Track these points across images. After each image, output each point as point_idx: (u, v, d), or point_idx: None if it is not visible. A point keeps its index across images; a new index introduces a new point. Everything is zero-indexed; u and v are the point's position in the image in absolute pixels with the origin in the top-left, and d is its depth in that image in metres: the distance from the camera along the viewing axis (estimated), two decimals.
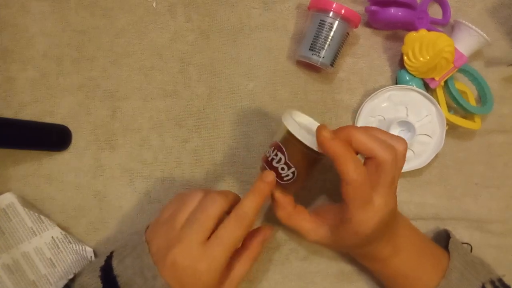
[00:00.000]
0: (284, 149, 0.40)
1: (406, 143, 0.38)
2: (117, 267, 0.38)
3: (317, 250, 0.49)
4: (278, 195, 0.41)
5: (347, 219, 0.38)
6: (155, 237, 0.38)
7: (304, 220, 0.42)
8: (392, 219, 0.39)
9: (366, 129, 0.38)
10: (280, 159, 0.40)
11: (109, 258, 0.39)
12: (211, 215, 0.37)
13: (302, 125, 0.42)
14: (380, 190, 0.37)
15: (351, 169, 0.36)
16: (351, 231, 0.38)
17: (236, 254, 0.39)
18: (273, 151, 0.41)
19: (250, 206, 0.38)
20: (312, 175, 0.43)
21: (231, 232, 0.37)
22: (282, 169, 0.40)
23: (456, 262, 0.42)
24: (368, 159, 0.37)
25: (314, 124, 0.43)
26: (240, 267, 0.39)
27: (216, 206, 0.37)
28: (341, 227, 0.39)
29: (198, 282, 0.36)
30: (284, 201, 0.42)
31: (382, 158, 0.36)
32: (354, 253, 0.45)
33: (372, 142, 0.37)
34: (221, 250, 0.36)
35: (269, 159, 0.41)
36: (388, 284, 0.45)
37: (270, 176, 0.40)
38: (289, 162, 0.39)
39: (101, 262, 0.39)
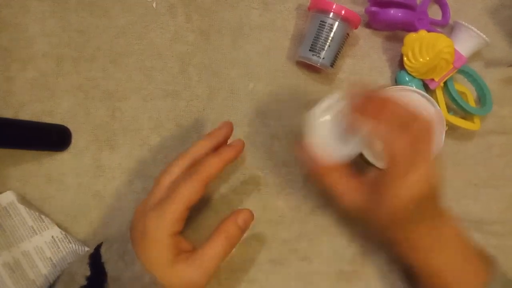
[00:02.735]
0: None
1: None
2: (105, 254, 0.38)
3: (317, 250, 0.49)
4: (312, 153, 0.39)
5: (387, 183, 0.36)
6: (134, 221, 0.38)
7: (341, 182, 0.40)
8: (433, 201, 0.38)
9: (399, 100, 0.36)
10: None
11: (99, 246, 0.39)
12: (179, 206, 0.36)
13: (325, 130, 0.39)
14: (422, 158, 0.35)
15: (389, 131, 0.35)
16: (389, 197, 0.36)
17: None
18: None
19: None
20: None
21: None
22: None
23: (498, 275, 0.40)
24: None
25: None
26: (212, 244, 0.37)
27: (183, 197, 0.37)
28: (380, 193, 0.37)
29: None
30: (320, 157, 0.40)
31: (419, 127, 0.35)
32: (394, 236, 0.41)
33: (409, 111, 0.35)
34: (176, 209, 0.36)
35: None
36: (422, 284, 0.42)
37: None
38: None
39: (91, 250, 0.40)
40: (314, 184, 0.41)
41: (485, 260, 0.41)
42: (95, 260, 0.38)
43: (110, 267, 0.37)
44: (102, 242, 0.40)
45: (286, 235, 0.49)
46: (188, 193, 0.37)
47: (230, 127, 0.43)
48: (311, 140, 0.38)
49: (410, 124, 0.36)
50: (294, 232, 0.49)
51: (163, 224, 0.36)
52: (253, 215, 0.39)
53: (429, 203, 0.38)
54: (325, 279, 0.48)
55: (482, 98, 0.51)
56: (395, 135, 0.35)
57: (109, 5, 0.48)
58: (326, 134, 0.38)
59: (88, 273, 0.38)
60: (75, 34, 0.48)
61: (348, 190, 0.40)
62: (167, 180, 0.39)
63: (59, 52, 0.47)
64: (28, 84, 0.47)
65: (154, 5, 0.49)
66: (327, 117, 0.39)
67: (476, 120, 0.50)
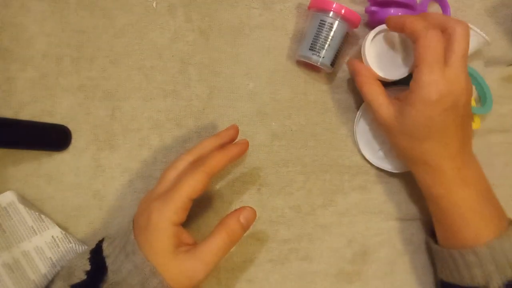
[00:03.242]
0: None
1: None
2: (107, 249, 0.38)
3: (317, 250, 0.49)
4: (360, 64, 0.46)
5: (417, 81, 0.39)
6: (138, 212, 0.39)
7: (381, 94, 0.44)
8: (461, 114, 0.40)
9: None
10: None
11: (100, 242, 0.40)
12: (183, 196, 0.37)
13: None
14: (453, 59, 0.38)
15: (423, 26, 0.38)
16: (418, 99, 0.39)
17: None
18: None
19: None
20: None
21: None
22: None
23: None
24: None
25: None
26: (213, 238, 0.38)
27: (188, 188, 0.37)
28: (411, 97, 0.40)
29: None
30: (367, 69, 0.45)
31: (455, 28, 0.39)
32: (420, 159, 0.43)
33: (444, 17, 0.40)
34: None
35: None
36: (440, 221, 0.44)
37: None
38: None
39: (92, 246, 0.40)
40: (361, 93, 0.46)
41: (503, 215, 0.43)
42: (96, 255, 0.38)
43: (111, 261, 0.37)
44: (103, 238, 0.40)
45: (286, 235, 0.49)
46: (191, 184, 0.37)
47: (236, 129, 0.45)
48: (364, 56, 0.45)
49: (446, 25, 0.39)
50: (294, 232, 0.49)
51: (166, 212, 0.36)
52: (255, 213, 0.40)
53: (456, 121, 0.40)
54: (325, 279, 0.48)
55: (482, 97, 0.51)
56: (431, 31, 0.38)
57: (109, 5, 0.48)
58: (378, 54, 0.46)
59: (88, 267, 0.38)
60: (75, 34, 0.48)
61: (386, 102, 0.43)
62: (172, 174, 0.40)
63: (59, 52, 0.47)
64: (28, 84, 0.47)
65: (154, 5, 0.49)
66: (381, 40, 0.46)
67: (476, 119, 0.50)
